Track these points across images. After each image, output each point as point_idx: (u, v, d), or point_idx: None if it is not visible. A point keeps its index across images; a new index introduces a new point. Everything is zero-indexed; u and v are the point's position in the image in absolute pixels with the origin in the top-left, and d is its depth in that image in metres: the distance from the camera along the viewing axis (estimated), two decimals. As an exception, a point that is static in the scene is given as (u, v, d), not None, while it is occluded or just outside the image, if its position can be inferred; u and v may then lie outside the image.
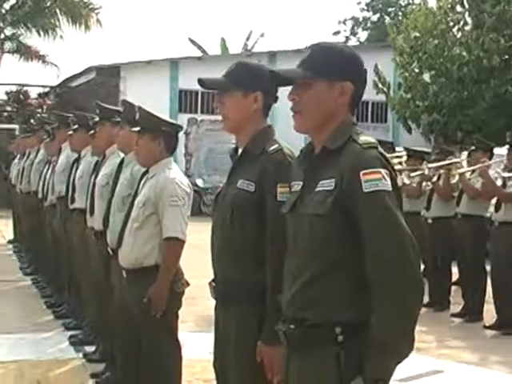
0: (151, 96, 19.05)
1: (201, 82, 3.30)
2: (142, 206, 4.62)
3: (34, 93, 26.20)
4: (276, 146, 3.25)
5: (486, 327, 8.56)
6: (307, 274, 2.56)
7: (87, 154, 7.13)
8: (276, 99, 3.37)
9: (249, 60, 3.54)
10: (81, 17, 24.20)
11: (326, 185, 2.53)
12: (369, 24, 45.28)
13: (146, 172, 4.77)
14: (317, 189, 2.57)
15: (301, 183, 2.69)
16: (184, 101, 23.64)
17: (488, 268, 8.89)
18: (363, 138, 2.58)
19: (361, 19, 45.49)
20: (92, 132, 6.51)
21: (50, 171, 9.05)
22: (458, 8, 20.19)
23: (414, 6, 23.77)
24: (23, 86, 25.55)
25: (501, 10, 18.84)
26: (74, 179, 7.27)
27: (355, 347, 2.48)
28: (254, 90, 3.29)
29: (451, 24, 20.43)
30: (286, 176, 3.07)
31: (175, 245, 4.56)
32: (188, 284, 4.70)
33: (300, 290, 2.57)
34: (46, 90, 26.74)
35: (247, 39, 38.22)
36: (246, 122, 3.32)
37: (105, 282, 5.84)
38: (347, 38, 45.18)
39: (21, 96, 24.68)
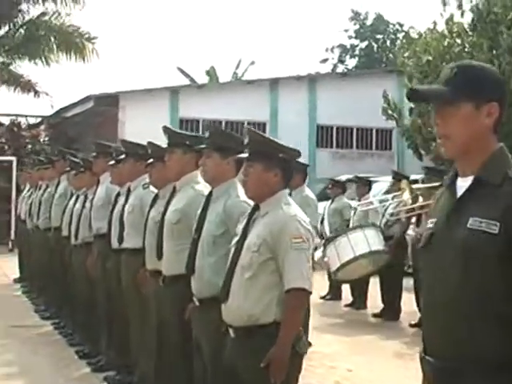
0: (151, 125, 18.21)
1: (412, 91, 2.61)
2: (255, 251, 3.74)
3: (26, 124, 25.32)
4: None
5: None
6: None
7: (138, 187, 6.32)
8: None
9: (474, 62, 2.69)
10: (76, 47, 23.31)
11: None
12: (356, 51, 44.99)
13: (257, 208, 3.93)
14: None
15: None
16: (185, 129, 22.82)
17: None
18: None
19: (348, 46, 45.18)
20: (150, 162, 5.72)
21: (77, 206, 8.23)
22: (470, 32, 19.60)
23: (419, 31, 22.92)
24: (16, 116, 24.67)
25: (516, 31, 18.26)
26: (121, 215, 6.44)
27: None
28: (489, 100, 2.50)
29: (464, 47, 19.82)
30: None
31: (301, 297, 3.72)
32: (310, 344, 3.85)
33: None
34: (38, 120, 25.88)
35: (237, 67, 37.75)
36: (477, 143, 2.51)
37: (177, 336, 5.02)
38: (335, 66, 44.84)
39: (14, 128, 23.72)
